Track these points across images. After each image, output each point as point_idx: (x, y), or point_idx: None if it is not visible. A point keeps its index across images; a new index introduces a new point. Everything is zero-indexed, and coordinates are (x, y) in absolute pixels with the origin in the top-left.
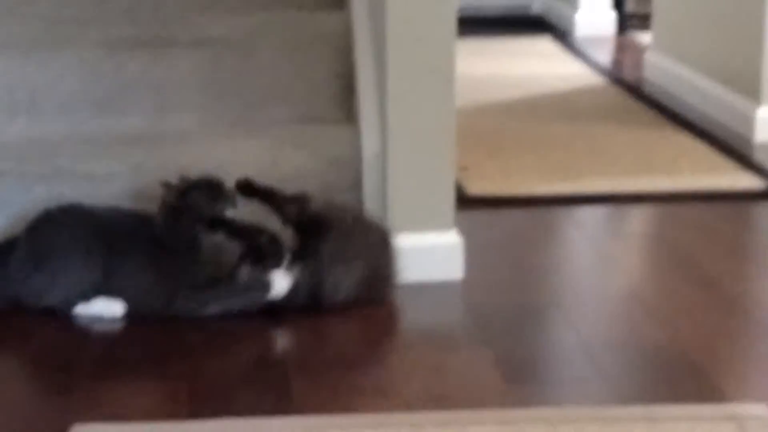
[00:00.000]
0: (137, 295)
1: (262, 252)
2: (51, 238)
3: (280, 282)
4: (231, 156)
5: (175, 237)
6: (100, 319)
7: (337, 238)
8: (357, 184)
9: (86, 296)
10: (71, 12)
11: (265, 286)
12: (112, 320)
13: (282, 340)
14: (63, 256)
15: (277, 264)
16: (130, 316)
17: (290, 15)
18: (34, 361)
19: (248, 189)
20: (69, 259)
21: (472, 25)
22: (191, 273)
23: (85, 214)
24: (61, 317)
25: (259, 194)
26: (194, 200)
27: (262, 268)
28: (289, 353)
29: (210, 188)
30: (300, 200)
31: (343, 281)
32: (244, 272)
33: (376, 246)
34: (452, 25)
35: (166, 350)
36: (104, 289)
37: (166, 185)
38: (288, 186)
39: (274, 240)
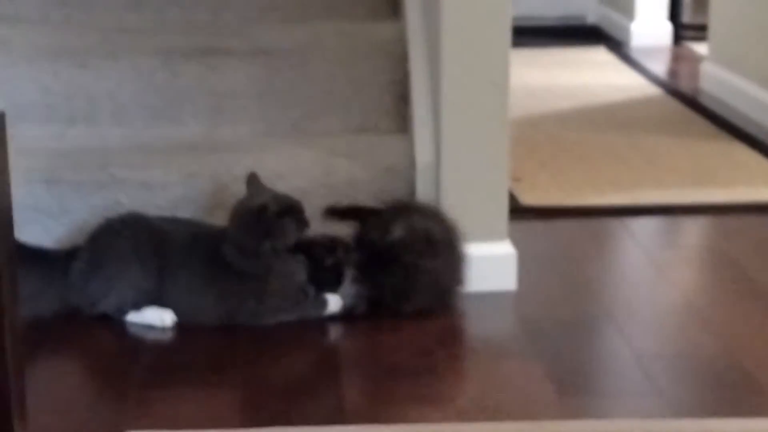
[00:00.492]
0: (191, 309)
1: (324, 276)
2: (109, 248)
3: (336, 302)
4: (285, 165)
5: (250, 259)
6: (151, 328)
7: (412, 252)
8: (410, 194)
9: (139, 305)
10: (129, 22)
11: (323, 303)
12: (163, 329)
13: (336, 349)
14: (119, 265)
15: (334, 289)
16: (181, 325)
17: (345, 25)
18: (88, 367)
19: (336, 213)
20: (124, 269)
21: (527, 35)
22: (257, 292)
23: (144, 225)
24: (114, 325)
25: (348, 215)
26: (285, 227)
27: (321, 290)
28: (343, 362)
29: (297, 213)
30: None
31: (412, 292)
32: (308, 292)
33: (448, 257)
34: (507, 35)
35: (219, 359)
36: (158, 299)
37: (262, 207)
38: (341, 196)
39: (338, 264)
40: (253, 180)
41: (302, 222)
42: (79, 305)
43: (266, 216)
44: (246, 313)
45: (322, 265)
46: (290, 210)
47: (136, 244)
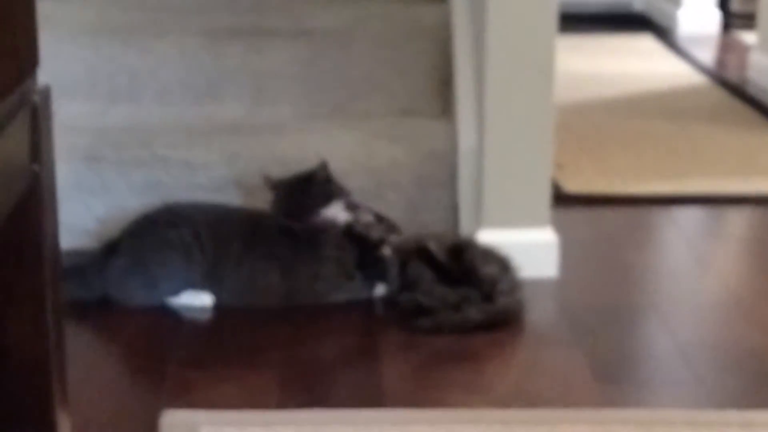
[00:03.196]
0: (257, 293)
1: (372, 267)
2: (150, 243)
3: (380, 288)
4: (327, 147)
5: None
6: (190, 309)
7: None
8: (452, 179)
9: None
10: (173, 1)
11: (371, 286)
12: (202, 310)
13: (377, 332)
14: (161, 260)
15: (381, 279)
16: (219, 307)
17: (389, 7)
18: (127, 348)
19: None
20: (167, 264)
21: (574, 21)
22: (313, 271)
23: (184, 220)
24: (153, 307)
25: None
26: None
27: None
28: (383, 345)
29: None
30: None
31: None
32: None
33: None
34: (553, 20)
35: (257, 340)
36: (206, 287)
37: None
38: (382, 179)
39: (383, 259)
40: (323, 167)
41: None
42: (118, 299)
43: (317, 180)
44: (304, 291)
45: (372, 254)
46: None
47: (178, 237)
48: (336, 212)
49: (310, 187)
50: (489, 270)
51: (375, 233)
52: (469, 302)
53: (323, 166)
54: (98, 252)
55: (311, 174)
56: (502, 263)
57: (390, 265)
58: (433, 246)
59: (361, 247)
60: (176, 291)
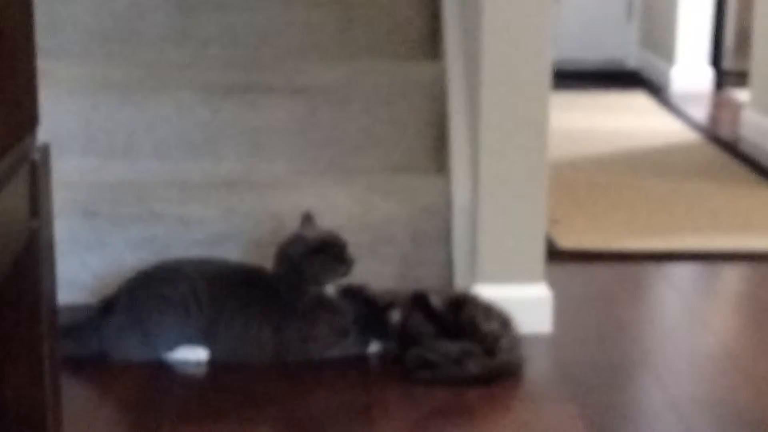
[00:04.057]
0: (249, 349)
1: (368, 325)
2: (146, 302)
3: (374, 345)
4: (322, 202)
5: (295, 296)
6: (185, 364)
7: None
8: (447, 234)
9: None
10: (170, 57)
11: (366, 342)
12: (197, 365)
13: (371, 388)
14: (159, 320)
15: (381, 337)
16: (214, 362)
17: (385, 64)
18: (122, 403)
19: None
20: (165, 323)
21: (567, 78)
22: (306, 330)
23: (181, 275)
24: (148, 361)
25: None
26: (319, 264)
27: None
28: (376, 401)
29: (334, 249)
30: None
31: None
32: (354, 333)
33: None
34: (547, 78)
35: (251, 395)
36: (201, 342)
37: (294, 244)
38: (378, 234)
39: (381, 317)
40: (306, 219)
41: (341, 260)
42: (115, 354)
43: (298, 253)
44: (295, 350)
45: (378, 316)
46: (326, 247)
47: (175, 293)
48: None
49: (309, 264)
50: (491, 326)
51: (381, 299)
52: (470, 356)
53: (307, 217)
54: (95, 309)
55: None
56: (502, 319)
57: (392, 324)
58: (433, 299)
59: (367, 308)
60: (172, 346)
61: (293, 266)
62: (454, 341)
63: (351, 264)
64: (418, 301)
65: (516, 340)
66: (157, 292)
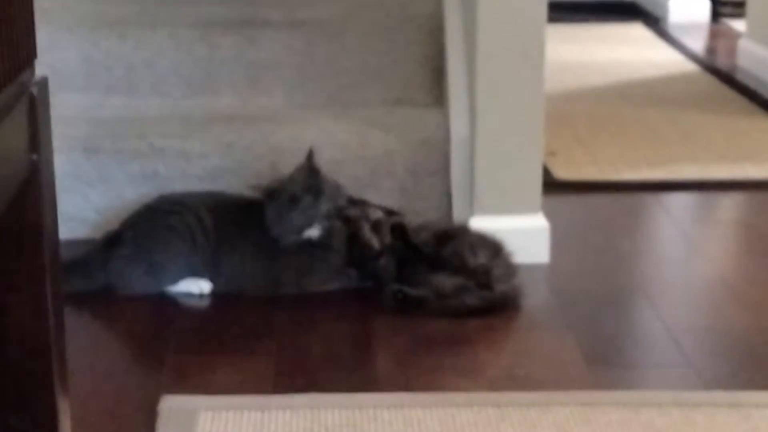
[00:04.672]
0: (246, 281)
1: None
2: (153, 233)
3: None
4: (320, 137)
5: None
6: (188, 296)
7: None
8: (445, 167)
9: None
10: None
11: (361, 279)
12: (200, 297)
13: (370, 318)
14: (165, 249)
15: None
16: (216, 294)
17: None
18: (126, 336)
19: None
20: (172, 253)
21: (564, 10)
22: (302, 264)
23: (186, 207)
24: (152, 294)
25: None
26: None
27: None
28: (375, 332)
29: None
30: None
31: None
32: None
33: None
34: (543, 9)
35: (253, 327)
36: (210, 276)
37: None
38: (376, 168)
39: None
40: (309, 156)
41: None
42: (120, 288)
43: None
44: (292, 284)
45: (365, 247)
46: (313, 188)
47: (181, 223)
48: (315, 232)
49: (295, 206)
50: (478, 260)
51: (376, 242)
52: (466, 291)
53: (310, 156)
54: (99, 244)
55: (299, 186)
56: (493, 248)
57: (386, 269)
58: (412, 229)
59: (360, 252)
60: (178, 277)
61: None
62: (442, 274)
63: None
64: (396, 231)
65: (510, 269)
66: (162, 224)
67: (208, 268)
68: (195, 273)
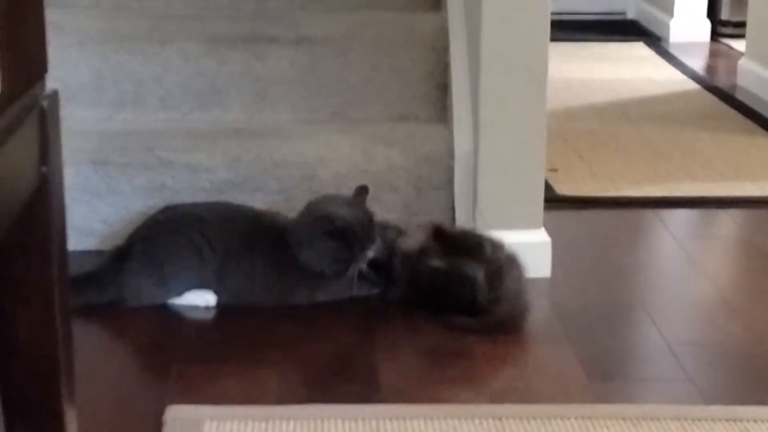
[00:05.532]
0: (255, 293)
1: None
2: (162, 246)
3: (362, 288)
4: (325, 151)
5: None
6: (194, 308)
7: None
8: (448, 182)
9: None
10: (177, 9)
11: (366, 289)
12: (206, 309)
13: (373, 330)
14: (175, 262)
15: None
16: (222, 305)
17: (387, 15)
18: (133, 346)
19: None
20: (182, 268)
21: (568, 29)
22: (313, 280)
23: (194, 218)
24: (158, 306)
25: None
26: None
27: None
28: (379, 343)
29: (361, 232)
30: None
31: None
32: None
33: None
34: (546, 28)
35: (258, 337)
36: (216, 289)
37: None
38: (380, 183)
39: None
40: (360, 192)
41: (365, 240)
42: (130, 300)
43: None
44: (303, 298)
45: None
46: (351, 231)
47: (190, 236)
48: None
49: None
50: (497, 254)
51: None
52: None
53: (363, 196)
54: (108, 257)
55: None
56: (509, 255)
57: (399, 273)
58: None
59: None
60: (186, 289)
61: (308, 240)
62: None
63: (372, 242)
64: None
65: (521, 282)
66: (171, 236)
67: (216, 280)
68: (203, 285)
